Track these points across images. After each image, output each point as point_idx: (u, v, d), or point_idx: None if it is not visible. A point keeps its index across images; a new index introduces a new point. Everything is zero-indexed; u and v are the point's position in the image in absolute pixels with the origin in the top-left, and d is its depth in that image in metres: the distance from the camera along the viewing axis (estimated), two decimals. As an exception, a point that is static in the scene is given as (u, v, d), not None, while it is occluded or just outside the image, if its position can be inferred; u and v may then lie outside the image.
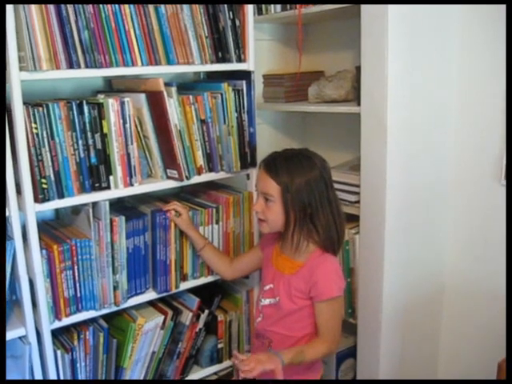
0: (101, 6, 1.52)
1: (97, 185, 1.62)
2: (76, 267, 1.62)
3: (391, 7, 1.66)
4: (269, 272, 1.68)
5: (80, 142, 1.56)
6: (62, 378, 1.67)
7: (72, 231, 1.70)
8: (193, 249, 1.84)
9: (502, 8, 1.70)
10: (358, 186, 1.89)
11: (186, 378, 1.96)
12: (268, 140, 2.35)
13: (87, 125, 1.57)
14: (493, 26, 1.79)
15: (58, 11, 1.45)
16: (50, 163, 1.52)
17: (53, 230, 1.74)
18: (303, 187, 1.51)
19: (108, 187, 1.64)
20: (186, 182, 1.76)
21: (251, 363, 1.43)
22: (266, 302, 1.66)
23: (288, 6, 2.09)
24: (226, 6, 1.76)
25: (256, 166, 1.86)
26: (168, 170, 1.76)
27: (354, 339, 2.06)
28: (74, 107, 1.54)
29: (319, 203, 1.53)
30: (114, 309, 1.72)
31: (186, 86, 1.87)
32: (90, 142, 1.58)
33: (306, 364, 1.60)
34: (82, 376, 1.70)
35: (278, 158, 1.57)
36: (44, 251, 1.56)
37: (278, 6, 2.14)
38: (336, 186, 1.97)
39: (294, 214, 1.53)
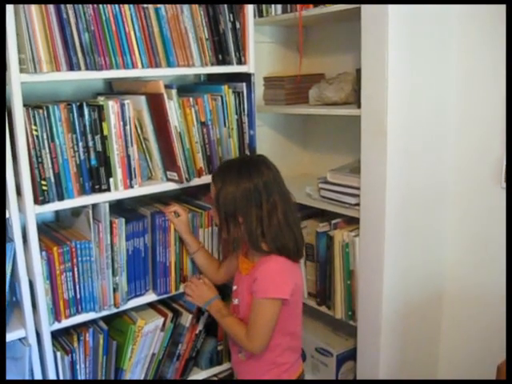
0: (101, 8, 1.52)
1: (97, 187, 1.62)
2: (76, 269, 1.63)
3: (391, 8, 1.66)
4: (236, 274, 1.75)
5: (80, 144, 1.56)
6: (61, 379, 1.67)
7: (72, 233, 1.71)
8: (193, 251, 1.85)
9: (502, 8, 1.70)
10: (358, 188, 1.89)
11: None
12: (268, 142, 2.35)
13: (87, 127, 1.57)
14: (493, 26, 1.78)
15: (59, 13, 1.46)
16: (50, 165, 1.52)
17: (53, 231, 1.74)
18: (230, 196, 1.57)
19: (108, 189, 1.64)
20: (185, 184, 1.76)
21: (190, 291, 1.78)
22: (235, 301, 1.71)
23: (288, 8, 2.09)
24: (226, 8, 1.76)
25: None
26: (168, 172, 1.77)
27: (354, 342, 2.06)
28: (75, 109, 1.54)
29: (248, 213, 1.57)
30: (114, 311, 1.72)
31: (187, 89, 1.87)
32: (90, 144, 1.58)
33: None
34: (81, 378, 1.70)
35: (223, 165, 1.69)
36: (44, 253, 1.57)
37: (279, 9, 2.14)
38: (336, 188, 1.99)
39: (224, 218, 1.60)
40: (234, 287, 1.74)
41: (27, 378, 1.60)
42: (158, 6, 1.63)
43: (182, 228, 1.78)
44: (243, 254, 1.72)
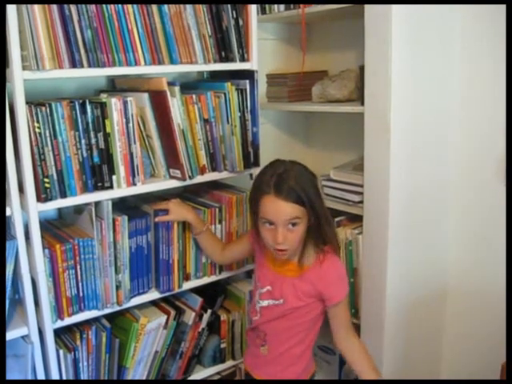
0: (104, 5, 1.52)
1: (99, 184, 1.61)
2: (78, 266, 1.62)
3: (395, 7, 1.65)
4: (266, 274, 1.65)
5: (83, 141, 1.56)
6: (64, 377, 1.66)
7: (75, 230, 1.70)
8: (196, 248, 1.84)
9: (504, 8, 1.69)
10: (361, 186, 1.89)
11: (189, 378, 1.96)
12: (271, 140, 2.35)
13: (90, 124, 1.57)
14: (496, 25, 1.78)
15: (61, 10, 1.45)
16: (53, 162, 1.52)
17: (55, 229, 1.73)
18: (316, 197, 1.52)
19: (111, 187, 1.63)
20: (188, 182, 1.76)
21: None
22: (265, 303, 1.63)
23: (292, 5, 2.09)
24: (229, 5, 1.76)
25: (259, 165, 1.86)
26: (171, 170, 1.76)
27: (357, 339, 2.05)
28: (77, 106, 1.54)
29: (322, 205, 1.55)
30: (117, 308, 1.72)
31: (190, 86, 1.86)
32: (93, 141, 1.58)
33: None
34: (84, 376, 1.70)
35: (285, 179, 1.48)
36: (46, 250, 1.56)
37: (282, 6, 2.13)
38: (339, 186, 1.99)
39: (312, 225, 1.54)
40: (266, 288, 1.62)
41: (30, 375, 1.60)
42: (161, 2, 1.62)
43: (180, 215, 1.76)
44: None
